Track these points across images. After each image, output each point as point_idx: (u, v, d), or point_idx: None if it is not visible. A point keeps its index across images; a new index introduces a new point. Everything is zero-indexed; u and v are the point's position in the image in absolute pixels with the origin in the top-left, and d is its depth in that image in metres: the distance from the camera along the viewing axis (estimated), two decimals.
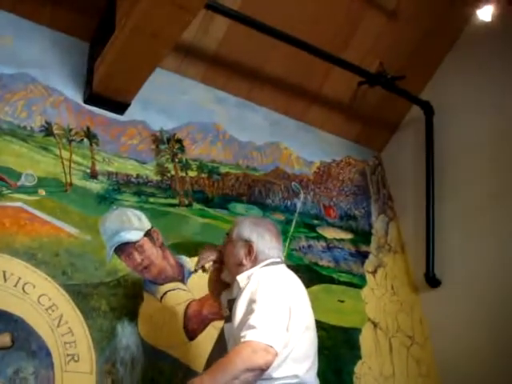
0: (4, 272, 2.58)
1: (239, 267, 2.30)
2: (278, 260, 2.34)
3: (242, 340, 1.95)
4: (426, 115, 4.21)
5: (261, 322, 1.97)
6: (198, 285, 3.05)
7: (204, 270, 2.49)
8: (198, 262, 2.49)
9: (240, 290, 2.19)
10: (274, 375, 2.03)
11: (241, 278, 2.23)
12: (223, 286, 2.46)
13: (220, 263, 2.44)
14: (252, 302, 2.06)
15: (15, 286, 2.58)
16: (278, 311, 2.04)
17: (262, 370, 1.92)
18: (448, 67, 4.31)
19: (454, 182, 4.05)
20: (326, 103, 4.16)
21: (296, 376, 2.06)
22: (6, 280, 2.57)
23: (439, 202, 4.04)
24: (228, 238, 2.42)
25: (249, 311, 2.04)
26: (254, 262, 2.29)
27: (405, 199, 4.35)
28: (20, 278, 2.61)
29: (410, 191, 4.31)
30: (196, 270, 2.50)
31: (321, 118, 4.21)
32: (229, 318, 2.23)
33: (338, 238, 3.95)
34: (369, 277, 3.94)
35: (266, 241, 2.34)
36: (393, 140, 4.55)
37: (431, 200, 4.04)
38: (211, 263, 2.47)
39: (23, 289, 2.60)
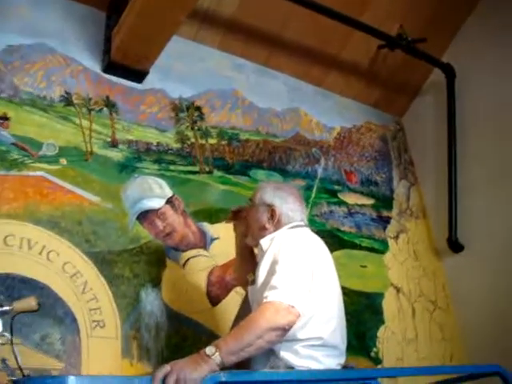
0: (28, 240, 2.61)
1: (262, 231, 2.31)
2: (302, 223, 2.35)
3: (265, 301, 1.96)
4: (447, 78, 4.14)
5: (283, 283, 1.98)
6: (220, 251, 3.09)
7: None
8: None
9: (263, 253, 2.20)
10: (299, 336, 2.03)
11: (264, 242, 2.24)
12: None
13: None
14: (274, 263, 2.06)
15: (40, 254, 2.62)
16: (300, 272, 2.04)
17: (284, 330, 1.93)
18: (470, 29, 4.22)
19: (477, 146, 4.00)
20: (346, 68, 4.11)
21: (320, 338, 2.06)
22: (30, 248, 2.60)
23: (461, 166, 4.00)
24: (251, 202, 2.43)
25: (271, 272, 2.05)
26: (277, 226, 2.30)
27: (426, 164, 4.31)
28: (44, 246, 2.64)
29: (432, 156, 4.26)
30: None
31: (340, 83, 4.15)
32: (253, 281, 2.24)
33: (359, 203, 3.94)
34: (391, 242, 3.94)
35: (288, 204, 2.34)
36: (414, 104, 4.48)
37: (453, 164, 3.99)
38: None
39: (48, 257, 2.63)
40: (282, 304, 1.93)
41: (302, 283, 2.03)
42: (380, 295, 3.66)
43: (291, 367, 2.02)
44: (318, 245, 2.27)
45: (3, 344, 1.83)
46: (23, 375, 1.79)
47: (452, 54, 4.24)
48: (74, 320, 2.58)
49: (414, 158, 4.40)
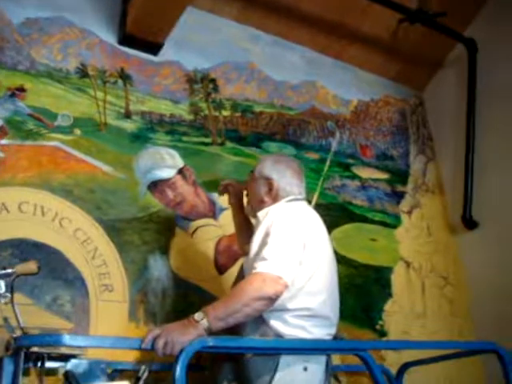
0: (42, 207, 2.74)
1: (261, 204, 2.38)
2: (300, 197, 2.40)
3: (254, 271, 2.05)
4: (469, 53, 4.07)
5: (272, 254, 2.06)
6: (229, 221, 3.14)
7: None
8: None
9: (258, 225, 2.26)
10: (288, 306, 2.11)
11: (260, 214, 2.30)
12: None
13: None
14: (267, 235, 2.13)
15: (53, 220, 2.75)
16: (290, 244, 2.11)
17: (271, 300, 2.01)
18: (493, 3, 4.11)
19: (496, 123, 3.95)
20: (365, 41, 4.07)
21: (309, 308, 2.13)
22: (44, 215, 2.73)
23: (480, 143, 3.96)
24: (251, 175, 2.49)
25: (263, 244, 2.12)
26: (275, 199, 2.36)
27: (445, 139, 4.27)
28: (57, 213, 2.76)
29: (451, 131, 4.23)
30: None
31: (359, 56, 4.13)
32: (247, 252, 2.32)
33: (373, 177, 3.95)
34: (404, 217, 3.95)
35: (286, 178, 2.39)
36: (435, 79, 4.43)
37: (471, 140, 3.95)
38: None
39: (60, 223, 2.76)
40: (270, 274, 2.02)
41: (291, 255, 2.10)
42: (389, 269, 3.69)
43: (280, 335, 2.10)
44: (312, 218, 2.32)
45: (6, 303, 1.96)
46: (23, 333, 1.91)
47: (474, 29, 4.16)
48: (84, 283, 2.71)
49: (433, 132, 4.37)
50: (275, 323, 2.10)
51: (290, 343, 2.08)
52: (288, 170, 2.42)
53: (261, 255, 2.08)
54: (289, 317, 2.11)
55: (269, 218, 2.20)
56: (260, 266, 2.04)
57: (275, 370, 2.04)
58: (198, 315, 1.95)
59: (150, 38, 3.27)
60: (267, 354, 2.07)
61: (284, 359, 2.06)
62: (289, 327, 2.10)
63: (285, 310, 2.11)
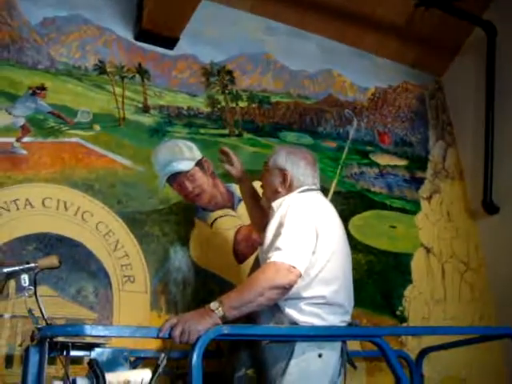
0: (65, 202, 2.83)
1: (275, 194, 2.43)
2: (313, 187, 2.44)
3: (268, 261, 2.10)
4: (488, 36, 4.01)
5: (286, 244, 2.11)
6: None
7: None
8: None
9: (272, 215, 2.31)
10: (303, 294, 2.17)
11: (275, 204, 2.34)
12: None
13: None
14: (280, 225, 2.19)
15: (75, 214, 2.84)
16: (303, 234, 2.16)
17: (285, 289, 2.06)
18: None
19: None
20: (381, 28, 4.05)
21: (323, 297, 2.18)
22: (66, 209, 2.82)
23: (500, 127, 3.92)
24: (266, 166, 2.54)
25: (277, 234, 2.17)
26: (289, 189, 2.41)
27: (465, 125, 4.24)
28: (79, 208, 2.85)
29: (471, 116, 4.19)
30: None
31: (376, 43, 4.11)
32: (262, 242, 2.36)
33: (391, 164, 3.95)
34: (423, 203, 3.95)
35: (300, 168, 2.44)
36: (454, 64, 4.37)
37: (491, 125, 3.92)
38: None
39: (82, 217, 2.85)
40: (284, 264, 2.07)
41: (305, 245, 2.15)
42: (409, 255, 3.71)
43: (295, 323, 2.15)
44: (325, 208, 2.36)
45: (30, 296, 2.04)
46: (46, 323, 1.99)
47: (493, 12, 4.09)
48: (107, 275, 2.80)
49: (453, 118, 4.33)
50: (290, 311, 2.16)
51: (304, 330, 2.13)
52: (302, 161, 2.46)
53: (275, 245, 2.13)
54: (303, 305, 2.16)
55: (282, 209, 2.25)
56: (274, 256, 2.09)
57: (290, 357, 2.10)
58: (213, 304, 2.01)
59: (166, 33, 3.32)
60: (283, 342, 2.14)
61: (299, 346, 2.12)
62: (303, 315, 2.15)
63: (300, 298, 2.17)
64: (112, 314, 2.74)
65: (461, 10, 3.89)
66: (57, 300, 2.66)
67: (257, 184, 2.73)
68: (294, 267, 2.07)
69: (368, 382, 3.22)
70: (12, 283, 2.47)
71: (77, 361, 2.37)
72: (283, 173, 2.43)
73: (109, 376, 2.09)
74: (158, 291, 2.88)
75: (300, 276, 2.10)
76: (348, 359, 2.28)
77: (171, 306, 2.88)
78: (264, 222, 2.39)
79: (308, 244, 2.16)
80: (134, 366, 2.45)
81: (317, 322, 2.15)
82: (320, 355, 2.12)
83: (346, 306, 2.27)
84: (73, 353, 2.09)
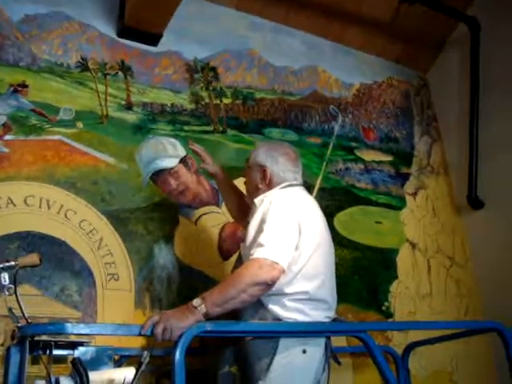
0: (47, 200, 2.80)
1: (257, 191, 2.43)
2: (294, 182, 2.44)
3: (251, 257, 2.09)
4: (471, 31, 4.03)
5: (269, 240, 2.10)
6: None
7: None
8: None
9: (254, 211, 2.30)
10: (286, 290, 2.16)
11: (257, 200, 2.33)
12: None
13: None
14: (262, 222, 2.18)
15: (58, 212, 2.81)
16: (286, 230, 2.15)
17: (267, 285, 2.06)
18: None
19: (501, 102, 3.92)
20: (366, 24, 4.06)
21: (306, 292, 2.17)
22: (49, 207, 2.79)
23: (485, 122, 3.94)
24: (247, 162, 2.53)
25: (259, 231, 2.16)
26: (270, 186, 2.41)
27: (450, 120, 4.27)
28: (62, 206, 2.82)
29: (456, 112, 4.22)
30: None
31: (360, 39, 4.12)
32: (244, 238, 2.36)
33: (377, 160, 3.96)
34: (408, 198, 3.96)
35: (279, 164, 2.43)
36: (439, 60, 4.40)
37: (475, 120, 3.94)
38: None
39: (65, 215, 2.82)
40: (267, 260, 2.06)
41: (287, 241, 2.14)
42: (394, 251, 3.72)
43: (278, 319, 2.14)
44: (308, 203, 2.35)
45: (11, 294, 2.02)
46: (27, 322, 1.97)
47: (477, 7, 4.12)
48: (91, 273, 2.78)
49: (438, 113, 4.35)
50: (273, 307, 2.15)
51: (288, 326, 2.13)
52: (281, 157, 2.45)
53: (257, 242, 2.12)
54: (287, 301, 2.15)
55: (264, 205, 2.24)
56: (257, 252, 2.08)
57: (274, 353, 2.09)
58: (196, 301, 2.00)
59: (149, 30, 3.31)
60: (266, 338, 2.13)
61: (283, 342, 2.10)
62: (287, 311, 2.15)
63: (283, 294, 2.16)
64: (96, 313, 2.71)
65: (445, 5, 3.91)
66: (40, 299, 2.63)
67: (241, 180, 2.73)
68: (276, 263, 2.06)
69: (355, 378, 3.22)
70: None
71: (61, 360, 2.35)
72: (263, 169, 2.43)
73: (92, 375, 2.07)
74: (142, 289, 2.86)
75: (283, 272, 2.09)
76: (332, 355, 2.29)
77: (156, 304, 2.86)
78: (241, 214, 2.38)
79: (290, 240, 2.15)
80: (118, 364, 2.43)
81: (300, 317, 2.14)
82: (304, 351, 2.11)
83: (330, 301, 2.27)
84: (56, 352, 2.08)
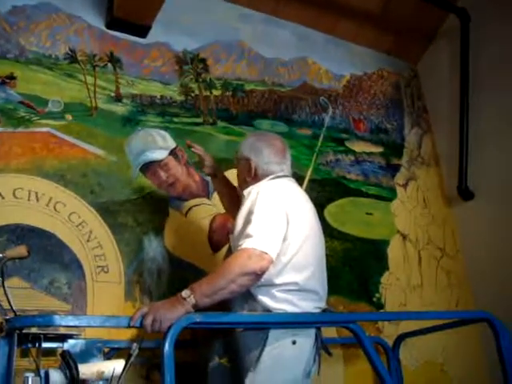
0: (36, 193, 2.78)
1: (245, 184, 2.44)
2: (281, 174, 2.43)
3: (239, 248, 2.09)
4: (461, 23, 4.03)
5: (257, 231, 2.10)
6: None
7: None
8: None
9: (242, 203, 2.30)
10: (275, 281, 2.16)
11: (245, 192, 2.34)
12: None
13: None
14: (250, 212, 2.18)
15: (47, 205, 2.79)
16: (273, 220, 2.15)
17: (256, 275, 2.06)
18: None
19: (491, 93, 3.92)
20: (356, 15, 4.05)
21: (296, 283, 2.17)
22: (38, 200, 2.77)
23: (475, 113, 3.94)
24: (236, 155, 2.55)
25: (247, 221, 2.16)
26: (255, 179, 2.42)
27: (440, 111, 4.27)
28: (51, 198, 2.80)
29: (446, 103, 4.21)
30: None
31: (351, 30, 4.10)
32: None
33: (367, 151, 3.96)
34: (399, 190, 3.97)
35: (263, 157, 2.44)
36: (429, 51, 4.39)
37: (466, 112, 3.94)
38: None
39: (55, 207, 2.80)
40: (256, 250, 2.06)
41: (275, 231, 2.14)
42: (385, 242, 3.72)
43: (268, 310, 2.14)
44: (295, 194, 2.35)
45: None
46: (15, 314, 1.97)
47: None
48: (80, 266, 2.76)
49: (428, 105, 4.35)
50: (263, 298, 2.15)
51: (278, 317, 2.12)
52: (266, 149, 2.46)
53: (245, 232, 2.12)
54: (276, 291, 2.15)
55: (252, 196, 2.25)
56: (245, 243, 2.08)
57: (264, 345, 2.10)
58: (185, 292, 2.00)
59: (138, 21, 3.28)
60: (256, 329, 2.13)
61: (273, 333, 2.11)
62: (276, 302, 2.14)
63: (272, 285, 2.16)
64: (86, 305, 2.70)
65: None
66: (29, 292, 2.62)
67: (233, 172, 2.74)
68: (265, 253, 2.06)
69: (346, 369, 3.22)
70: None
71: (50, 353, 2.33)
72: (248, 162, 2.44)
73: (82, 367, 2.07)
74: (132, 281, 2.84)
75: (272, 262, 2.09)
76: (323, 346, 2.29)
77: (146, 296, 2.84)
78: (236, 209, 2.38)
79: (279, 230, 2.15)
80: (108, 357, 2.43)
81: (290, 308, 2.14)
82: (294, 342, 2.12)
83: (321, 292, 2.26)
84: (45, 344, 2.08)
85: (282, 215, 2.17)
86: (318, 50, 4.03)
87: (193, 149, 2.71)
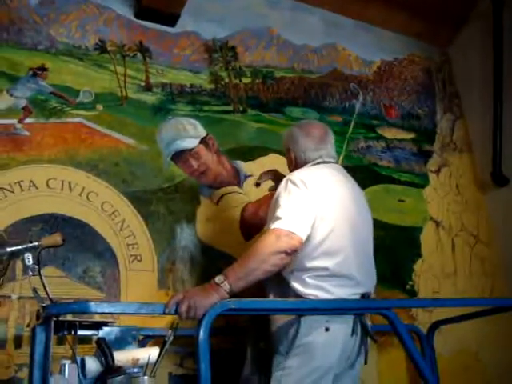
0: (69, 183, 2.81)
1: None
2: (320, 160, 2.42)
3: (267, 229, 2.12)
4: (494, 6, 3.92)
5: (285, 213, 2.12)
6: (254, 188, 3.19)
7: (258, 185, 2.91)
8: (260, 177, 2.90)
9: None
10: (307, 265, 2.16)
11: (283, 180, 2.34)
12: None
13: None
14: (279, 197, 2.20)
15: (80, 195, 2.82)
16: (302, 203, 2.16)
17: (287, 254, 2.07)
18: None
19: None
20: (385, 0, 3.98)
21: (326, 268, 2.15)
22: (71, 190, 2.81)
23: (508, 98, 3.84)
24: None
25: (277, 206, 2.18)
26: (297, 167, 2.44)
27: (473, 96, 4.16)
28: (84, 188, 2.83)
29: (479, 88, 4.11)
30: (258, 185, 2.93)
31: (381, 15, 4.01)
32: None
33: (398, 137, 3.90)
34: (432, 176, 3.90)
35: (300, 145, 2.47)
36: (461, 35, 4.28)
37: (499, 96, 3.85)
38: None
39: (87, 197, 2.83)
40: (283, 230, 2.08)
41: (304, 213, 2.14)
42: (418, 229, 3.67)
43: (300, 296, 2.13)
44: (328, 178, 2.32)
45: (35, 275, 2.03)
46: (51, 301, 1.99)
47: None
48: (113, 255, 2.79)
49: (460, 90, 4.26)
50: (295, 284, 2.15)
51: (310, 304, 2.11)
52: (302, 138, 2.48)
53: (274, 216, 2.14)
54: (307, 277, 2.15)
55: (282, 184, 2.26)
56: (273, 225, 2.10)
57: (297, 331, 2.09)
58: (218, 278, 2.01)
59: (167, 10, 3.28)
60: (289, 315, 2.12)
61: (305, 320, 2.11)
62: (307, 288, 2.13)
63: (304, 270, 2.15)
64: (119, 294, 2.73)
65: None
66: (64, 280, 2.66)
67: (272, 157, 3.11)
68: (293, 233, 2.07)
69: (379, 357, 3.19)
70: (19, 264, 2.48)
71: (86, 340, 2.37)
72: (289, 152, 2.51)
73: (117, 354, 2.09)
74: (165, 270, 2.86)
75: (301, 242, 2.09)
76: (368, 333, 2.25)
77: (178, 285, 2.86)
78: None
79: (307, 213, 2.15)
80: (142, 344, 2.45)
81: (321, 294, 2.12)
82: (327, 329, 2.10)
83: (358, 277, 2.20)
84: (80, 332, 2.10)
85: (310, 199, 2.17)
86: (346, 35, 3.97)
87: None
